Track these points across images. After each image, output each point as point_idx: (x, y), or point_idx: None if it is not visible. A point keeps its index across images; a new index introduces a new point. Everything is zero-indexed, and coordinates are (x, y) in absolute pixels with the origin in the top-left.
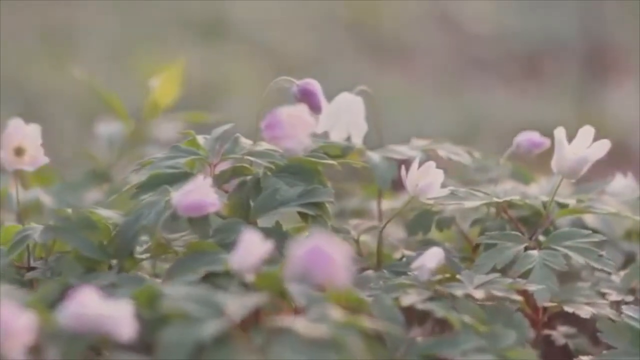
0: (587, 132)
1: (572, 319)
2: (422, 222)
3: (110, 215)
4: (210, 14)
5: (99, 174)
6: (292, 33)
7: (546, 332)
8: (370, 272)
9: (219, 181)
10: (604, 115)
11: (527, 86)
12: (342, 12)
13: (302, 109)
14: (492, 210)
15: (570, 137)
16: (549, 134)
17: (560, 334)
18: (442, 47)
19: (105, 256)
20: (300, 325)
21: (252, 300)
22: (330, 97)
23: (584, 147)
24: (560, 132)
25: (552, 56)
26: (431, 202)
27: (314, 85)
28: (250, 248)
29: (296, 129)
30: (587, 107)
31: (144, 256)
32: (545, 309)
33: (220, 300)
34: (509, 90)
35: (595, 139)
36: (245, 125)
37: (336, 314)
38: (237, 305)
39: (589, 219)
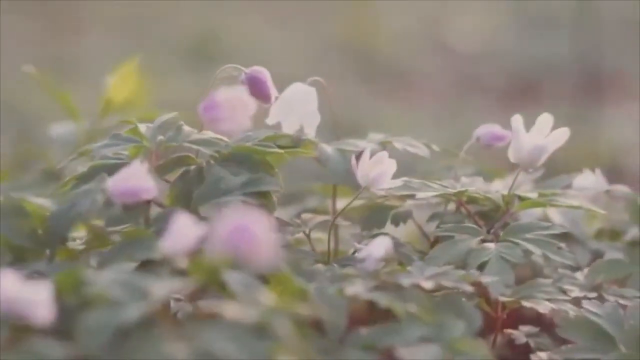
0: (545, 120)
1: (535, 321)
2: (377, 217)
3: (45, 203)
4: (204, 40)
5: (49, 173)
6: (286, 58)
7: (507, 331)
8: (320, 266)
9: (162, 171)
10: (599, 138)
11: (523, 109)
12: (337, 37)
13: (242, 91)
14: (453, 207)
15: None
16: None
17: (521, 333)
18: (437, 70)
19: (37, 245)
20: (230, 310)
21: (180, 284)
22: None
23: (542, 136)
24: (516, 120)
25: (549, 79)
26: (383, 192)
27: (263, 73)
28: (183, 232)
29: (235, 110)
30: (583, 130)
31: (80, 247)
32: (504, 305)
33: (146, 285)
34: (505, 113)
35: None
36: None
37: (268, 299)
38: (163, 289)
39: (556, 217)
